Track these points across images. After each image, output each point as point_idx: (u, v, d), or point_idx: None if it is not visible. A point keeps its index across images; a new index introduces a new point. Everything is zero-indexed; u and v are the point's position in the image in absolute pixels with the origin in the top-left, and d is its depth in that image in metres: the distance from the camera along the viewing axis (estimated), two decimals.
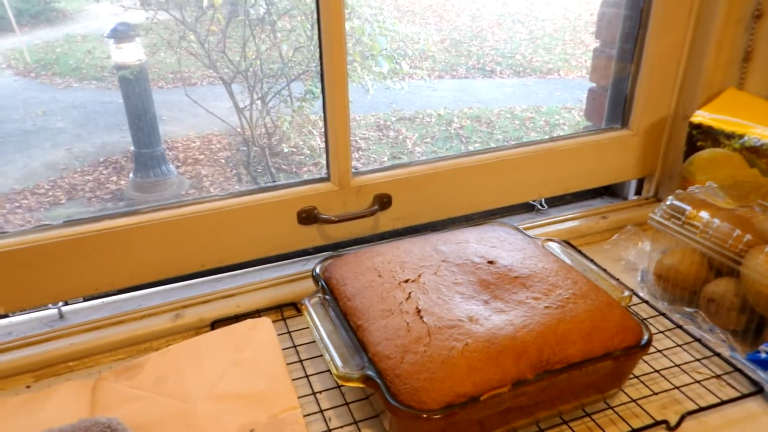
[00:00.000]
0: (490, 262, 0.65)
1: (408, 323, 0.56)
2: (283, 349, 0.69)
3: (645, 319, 0.75)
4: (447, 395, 0.51)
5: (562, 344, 0.55)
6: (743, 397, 0.64)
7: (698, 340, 0.71)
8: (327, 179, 0.79)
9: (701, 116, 0.87)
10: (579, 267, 0.69)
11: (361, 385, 0.54)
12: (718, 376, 0.67)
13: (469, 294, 0.60)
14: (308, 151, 3.34)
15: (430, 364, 0.52)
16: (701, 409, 0.62)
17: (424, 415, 0.49)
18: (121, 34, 2.75)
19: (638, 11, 0.91)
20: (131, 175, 2.98)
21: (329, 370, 0.59)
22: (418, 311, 0.58)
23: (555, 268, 0.65)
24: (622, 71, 0.98)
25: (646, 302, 0.78)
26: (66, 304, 0.76)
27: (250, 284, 0.76)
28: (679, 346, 0.71)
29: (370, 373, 0.54)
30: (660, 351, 0.70)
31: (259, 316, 0.72)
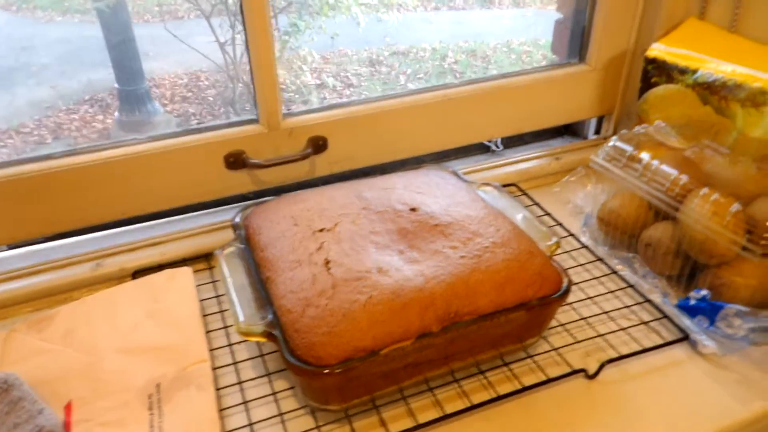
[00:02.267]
0: (413, 210, 0.62)
1: (314, 275, 0.54)
2: (207, 299, 0.68)
3: (583, 264, 0.73)
4: (345, 350, 0.49)
5: (473, 296, 0.53)
6: (667, 344, 0.62)
7: (632, 287, 0.70)
8: (255, 121, 0.75)
9: (657, 50, 0.82)
10: (512, 213, 0.66)
11: (263, 340, 0.52)
12: (645, 323, 0.65)
13: (384, 244, 0.58)
14: (295, 87, 3.25)
15: (330, 318, 0.50)
16: (622, 357, 0.61)
17: (318, 371, 0.48)
18: None
19: None
20: (116, 113, 2.91)
21: None
22: (327, 262, 0.55)
23: (481, 216, 0.62)
24: (582, 1, 0.92)
25: (586, 247, 0.76)
26: None
27: (177, 232, 0.74)
28: (612, 292, 0.69)
29: (270, 328, 0.52)
30: (591, 298, 0.68)
31: (185, 266, 0.70)
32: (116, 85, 2.85)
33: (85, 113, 3.02)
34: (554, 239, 0.62)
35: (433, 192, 0.66)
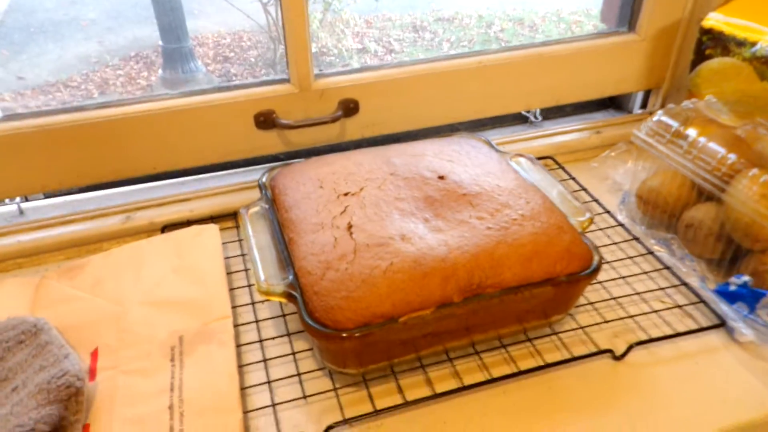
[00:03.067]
0: (441, 177, 0.61)
1: (336, 239, 0.53)
2: (232, 257, 0.68)
3: (618, 242, 0.71)
4: (363, 315, 0.48)
5: (497, 268, 0.52)
6: (702, 330, 0.60)
7: (668, 269, 0.67)
8: (287, 81, 0.74)
9: (714, 20, 0.77)
10: (545, 187, 0.64)
11: (283, 300, 0.52)
12: (680, 307, 0.62)
13: (409, 211, 0.57)
14: (337, 51, 3.22)
15: (349, 283, 0.50)
16: (652, 340, 0.59)
17: (335, 334, 0.48)
18: None
19: None
20: (160, 71, 2.95)
21: None
22: (350, 227, 0.55)
23: (511, 187, 0.60)
24: None
25: (622, 225, 0.73)
26: (26, 200, 0.76)
27: (206, 189, 0.74)
28: (647, 273, 0.66)
29: (290, 289, 0.52)
30: (624, 278, 0.66)
31: (213, 223, 0.70)
32: (160, 43, 2.88)
33: (131, 69, 3.07)
34: (587, 215, 0.60)
35: (464, 161, 0.64)
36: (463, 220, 0.56)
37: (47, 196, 0.78)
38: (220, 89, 0.72)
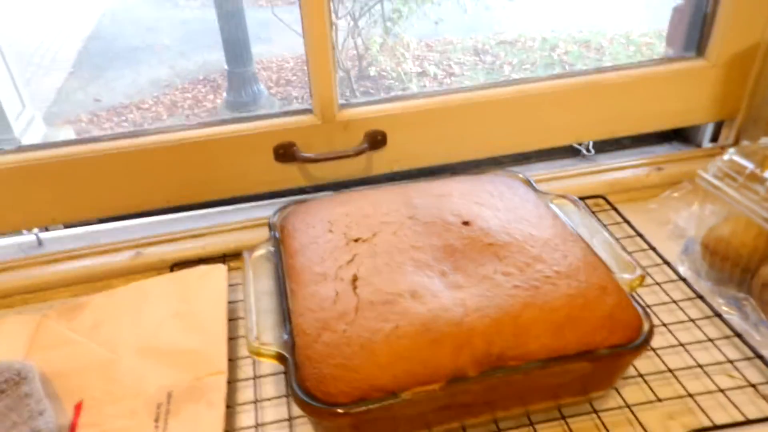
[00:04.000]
0: (465, 223, 0.53)
1: (338, 293, 0.47)
2: (240, 302, 0.63)
3: (677, 300, 0.61)
4: (359, 388, 0.42)
5: (522, 336, 0.44)
6: None
7: (739, 336, 0.56)
8: (309, 111, 0.69)
9: None
10: (590, 235, 0.55)
11: (274, 362, 0.46)
12: (753, 386, 0.52)
13: (425, 262, 0.50)
14: (395, 75, 3.20)
15: (346, 348, 0.43)
16: (718, 428, 0.48)
17: (324, 409, 0.41)
18: None
19: None
20: (224, 94, 3.03)
21: None
22: (355, 279, 0.48)
23: (547, 237, 0.52)
24: None
25: (684, 280, 0.63)
26: (46, 230, 0.74)
27: (220, 225, 0.70)
28: (711, 341, 0.56)
29: (283, 350, 0.46)
30: (682, 345, 0.56)
31: (224, 262, 0.65)
32: (226, 67, 2.95)
33: (198, 93, 3.16)
34: (638, 272, 0.51)
35: (495, 203, 0.56)
36: (487, 276, 0.48)
37: (67, 226, 0.76)
38: (239, 120, 0.68)
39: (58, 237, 0.73)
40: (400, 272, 0.48)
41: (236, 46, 2.94)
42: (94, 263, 0.67)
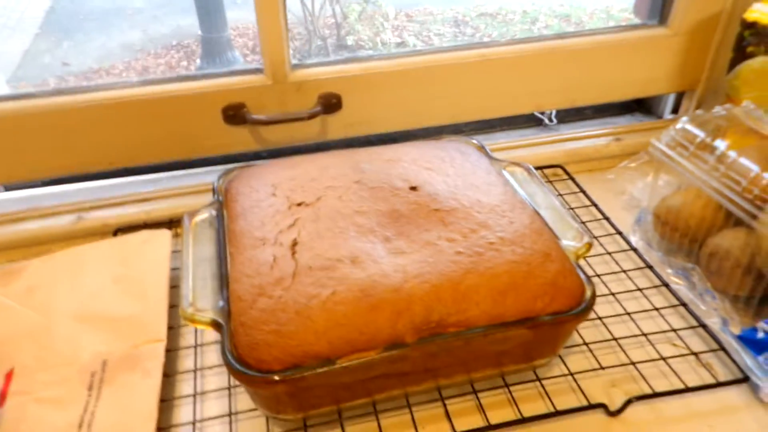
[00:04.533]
0: (413, 188, 0.52)
1: (275, 258, 0.45)
2: None
3: (628, 270, 0.61)
4: (292, 354, 0.40)
5: (463, 303, 0.43)
6: (719, 385, 0.49)
7: (685, 305, 0.56)
8: (260, 71, 0.67)
9: (759, 11, 0.65)
10: (541, 202, 0.54)
11: (208, 329, 0.45)
12: (695, 354, 0.52)
13: (368, 227, 0.48)
14: (372, 45, 3.14)
15: (281, 314, 0.42)
16: (657, 395, 0.49)
17: (256, 377, 0.40)
18: None
19: None
20: (198, 60, 2.94)
21: None
22: (294, 244, 0.47)
23: (494, 203, 0.51)
24: None
25: (635, 250, 0.63)
26: None
27: (165, 189, 0.68)
28: (657, 309, 0.56)
29: (219, 317, 0.44)
30: (629, 314, 0.56)
31: (170, 228, 0.63)
32: (200, 32, 2.86)
33: (171, 59, 3.06)
34: (585, 239, 0.50)
35: (445, 169, 0.55)
36: (430, 242, 0.47)
37: (7, 189, 0.73)
38: (185, 78, 0.65)
39: None
40: (342, 237, 0.47)
41: (210, 10, 2.85)
42: (32, 227, 0.64)
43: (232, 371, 0.41)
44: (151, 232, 0.61)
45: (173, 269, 0.59)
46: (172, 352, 0.52)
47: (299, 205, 0.51)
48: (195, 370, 0.51)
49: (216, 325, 0.44)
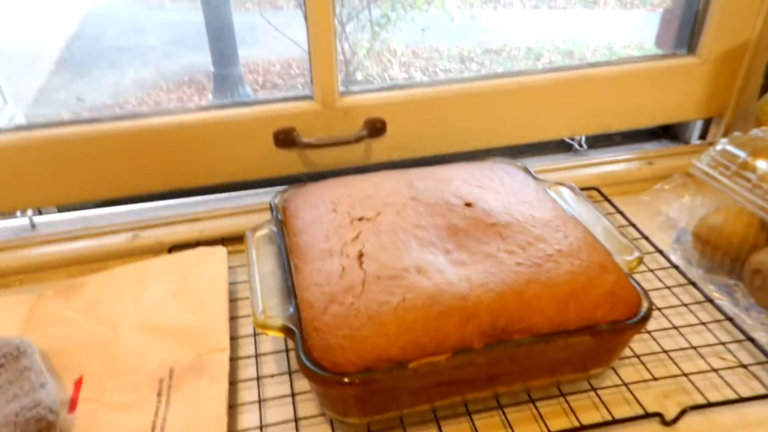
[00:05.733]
0: (468, 205, 0.54)
1: (344, 268, 0.47)
2: (240, 282, 0.63)
3: (671, 286, 0.62)
4: (367, 358, 0.42)
5: (527, 310, 0.45)
6: None
7: (730, 320, 0.58)
8: (310, 98, 0.70)
9: None
10: (587, 220, 0.57)
11: (280, 335, 0.46)
12: (744, 366, 0.53)
13: (429, 240, 0.50)
14: (380, 81, 3.22)
15: (354, 319, 0.44)
16: (711, 405, 0.50)
17: (332, 378, 0.41)
18: None
19: None
20: (210, 96, 3.00)
21: None
22: (360, 255, 0.49)
23: (548, 218, 0.53)
24: None
25: (676, 267, 0.64)
26: (39, 213, 0.73)
27: (217, 210, 0.70)
28: (704, 324, 0.58)
29: (289, 323, 0.46)
30: (677, 328, 0.57)
31: (223, 246, 0.65)
32: (212, 69, 2.93)
33: (183, 94, 3.13)
34: (636, 254, 0.52)
35: (495, 187, 0.57)
36: (490, 254, 0.49)
37: (61, 210, 0.76)
38: (238, 104, 0.69)
39: (52, 221, 0.72)
40: (405, 249, 0.49)
41: (223, 48, 2.92)
42: (90, 245, 0.66)
43: (308, 373, 0.42)
44: (207, 249, 0.63)
45: (231, 284, 0.61)
46: (233, 361, 0.54)
47: (360, 219, 0.53)
48: (257, 378, 0.53)
49: (287, 330, 0.46)
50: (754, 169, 0.57)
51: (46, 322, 0.57)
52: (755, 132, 0.62)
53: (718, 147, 0.61)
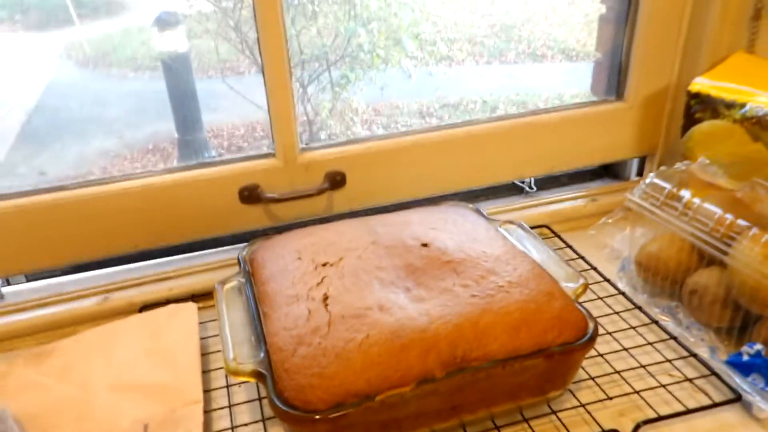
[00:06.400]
0: (424, 245, 0.58)
1: (310, 311, 0.50)
2: (211, 337, 0.65)
3: (619, 312, 0.67)
4: (336, 394, 0.44)
5: (482, 339, 0.48)
6: (716, 405, 0.54)
7: (675, 339, 0.62)
8: (272, 155, 0.74)
9: (700, 84, 0.76)
10: (536, 254, 0.61)
11: (251, 380, 0.48)
12: (690, 380, 0.57)
13: (389, 280, 0.54)
14: (344, 138, 3.29)
15: (322, 358, 0.46)
16: (662, 418, 0.53)
17: (305, 416, 0.43)
18: (165, 22, 2.77)
19: None
20: (175, 161, 3.02)
21: None
22: (326, 298, 0.52)
23: (498, 254, 0.57)
24: (619, 37, 0.87)
25: (623, 294, 0.69)
26: (7, 283, 0.74)
27: (186, 268, 0.72)
28: (651, 344, 0.62)
29: (260, 367, 0.48)
30: (626, 350, 0.61)
31: (193, 302, 0.67)
32: (176, 135, 2.97)
33: (147, 162, 3.14)
34: (581, 281, 0.57)
35: (449, 228, 0.62)
36: (447, 288, 0.52)
37: (29, 279, 0.76)
38: (203, 165, 0.72)
39: (20, 291, 0.73)
40: (367, 290, 0.52)
41: (187, 114, 2.96)
42: (59, 310, 0.67)
43: (282, 414, 0.44)
44: (177, 305, 0.65)
45: (202, 338, 0.62)
46: (207, 413, 0.55)
47: (324, 265, 0.56)
48: (232, 428, 0.54)
49: (259, 375, 0.48)
50: (679, 199, 0.63)
51: (19, 388, 0.58)
52: (679, 165, 0.68)
53: (647, 180, 0.67)
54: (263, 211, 0.75)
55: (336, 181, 0.75)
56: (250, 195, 0.73)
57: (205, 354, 0.62)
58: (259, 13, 0.66)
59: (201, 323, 0.64)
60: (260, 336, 0.52)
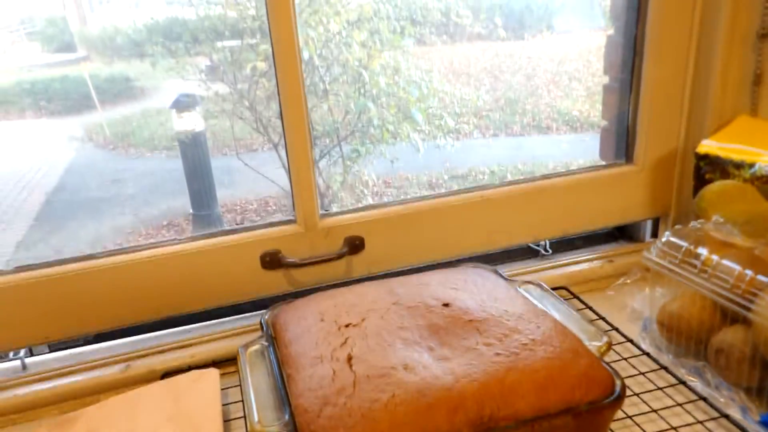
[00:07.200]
0: (446, 305, 0.59)
1: (335, 371, 0.50)
2: (234, 403, 0.64)
3: (644, 372, 0.66)
4: None
5: (509, 397, 0.48)
6: None
7: (704, 399, 0.61)
8: (293, 221, 0.76)
9: (707, 146, 0.78)
10: (557, 312, 0.61)
11: None
12: None
13: (413, 340, 0.54)
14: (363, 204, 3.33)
15: (348, 419, 0.46)
16: None
17: None
18: (183, 104, 2.91)
19: (632, 38, 0.85)
20: None
21: None
22: (350, 358, 0.52)
23: (520, 312, 0.58)
24: (624, 104, 0.91)
25: (647, 354, 0.68)
26: (31, 354, 0.75)
27: (208, 334, 0.73)
28: (680, 405, 0.60)
29: (284, 430, 0.48)
30: (655, 411, 0.60)
31: (215, 368, 0.67)
32: (191, 211, 3.03)
33: (161, 237, 3.18)
34: (604, 339, 0.56)
35: (470, 288, 0.62)
36: (470, 347, 0.52)
37: (52, 349, 0.77)
38: (226, 232, 0.74)
39: (43, 360, 0.73)
40: (391, 350, 0.52)
41: (201, 190, 3.05)
42: (82, 379, 0.68)
43: None
44: (200, 372, 0.65)
45: (224, 404, 0.62)
46: None
47: (347, 326, 0.57)
48: None
49: None
50: (697, 256, 0.63)
51: None
52: (693, 224, 0.69)
53: (663, 239, 0.68)
54: (284, 276, 0.76)
55: (355, 245, 0.77)
56: (272, 260, 0.74)
57: (227, 420, 0.61)
58: (283, 90, 0.70)
59: (223, 389, 0.64)
60: (284, 398, 0.52)
